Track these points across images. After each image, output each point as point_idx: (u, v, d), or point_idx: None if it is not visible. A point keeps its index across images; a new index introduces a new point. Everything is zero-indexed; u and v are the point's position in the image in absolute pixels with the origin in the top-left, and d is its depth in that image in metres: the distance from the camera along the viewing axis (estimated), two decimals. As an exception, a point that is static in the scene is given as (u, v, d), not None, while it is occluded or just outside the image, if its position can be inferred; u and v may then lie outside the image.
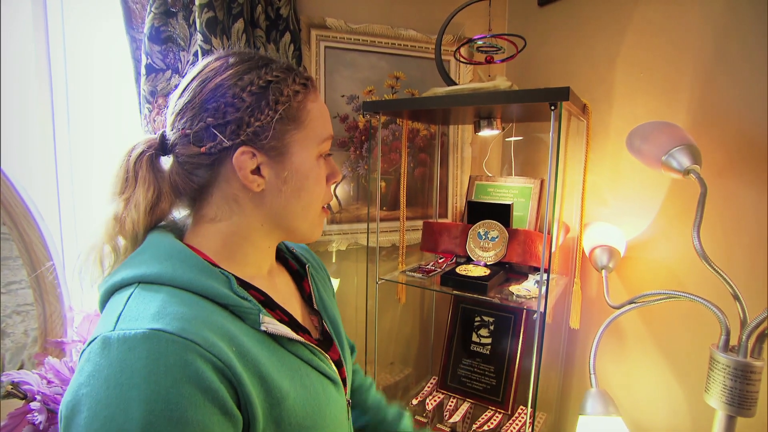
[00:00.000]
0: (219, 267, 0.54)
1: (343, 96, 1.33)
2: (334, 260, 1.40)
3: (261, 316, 0.52)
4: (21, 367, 0.88)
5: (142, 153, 0.55)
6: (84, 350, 0.44)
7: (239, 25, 1.05)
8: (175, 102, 0.56)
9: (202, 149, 0.54)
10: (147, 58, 0.99)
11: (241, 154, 0.54)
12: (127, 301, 0.46)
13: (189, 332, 0.43)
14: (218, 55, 0.58)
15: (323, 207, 0.64)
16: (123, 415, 0.39)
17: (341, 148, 1.34)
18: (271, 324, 0.53)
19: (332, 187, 0.65)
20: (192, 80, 0.56)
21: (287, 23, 1.15)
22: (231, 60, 0.56)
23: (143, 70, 1.00)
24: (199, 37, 0.99)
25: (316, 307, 0.70)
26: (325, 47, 1.29)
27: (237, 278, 0.55)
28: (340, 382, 0.62)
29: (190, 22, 1.02)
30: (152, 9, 0.98)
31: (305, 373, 0.55)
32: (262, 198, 0.57)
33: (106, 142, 1.08)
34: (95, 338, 0.43)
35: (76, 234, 1.07)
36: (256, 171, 0.55)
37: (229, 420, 0.44)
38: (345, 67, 1.32)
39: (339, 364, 0.65)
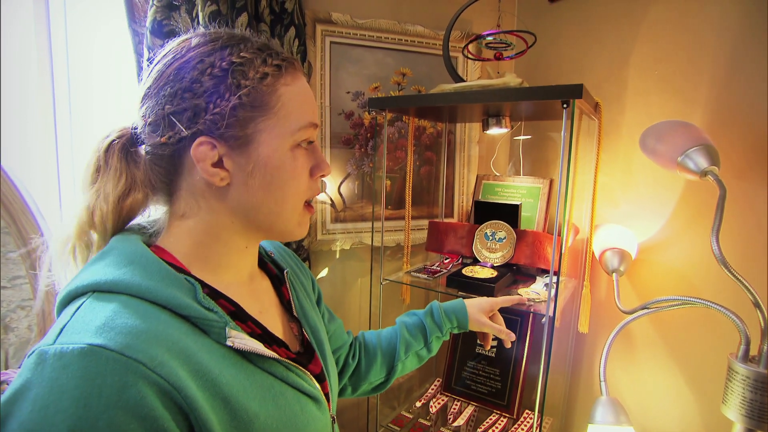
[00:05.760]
0: (188, 273, 0.50)
1: (348, 92, 1.30)
2: (338, 259, 1.38)
3: (227, 330, 0.47)
4: (23, 363, 0.87)
5: (113, 142, 0.52)
6: (22, 362, 0.40)
7: (243, 18, 1.03)
8: (140, 88, 0.53)
9: (162, 139, 0.50)
10: (149, 52, 0.97)
11: (199, 145, 0.49)
12: (75, 311, 0.42)
13: (134, 349, 0.39)
14: (183, 36, 0.53)
15: (306, 203, 0.57)
16: None
17: (346, 146, 1.32)
18: (239, 339, 0.48)
19: (319, 180, 0.59)
20: (155, 65, 0.52)
21: (292, 18, 1.13)
22: (194, 41, 0.51)
23: (145, 65, 0.98)
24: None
25: (295, 314, 0.65)
26: (331, 42, 1.26)
27: (206, 286, 0.51)
28: (323, 399, 0.58)
29: (193, 15, 1.00)
30: (154, 2, 0.96)
31: (280, 391, 0.51)
32: (228, 193, 0.52)
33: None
34: (33, 351, 0.39)
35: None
36: (219, 163, 0.50)
37: None
38: (351, 62, 1.30)
39: (321, 378, 0.61)
